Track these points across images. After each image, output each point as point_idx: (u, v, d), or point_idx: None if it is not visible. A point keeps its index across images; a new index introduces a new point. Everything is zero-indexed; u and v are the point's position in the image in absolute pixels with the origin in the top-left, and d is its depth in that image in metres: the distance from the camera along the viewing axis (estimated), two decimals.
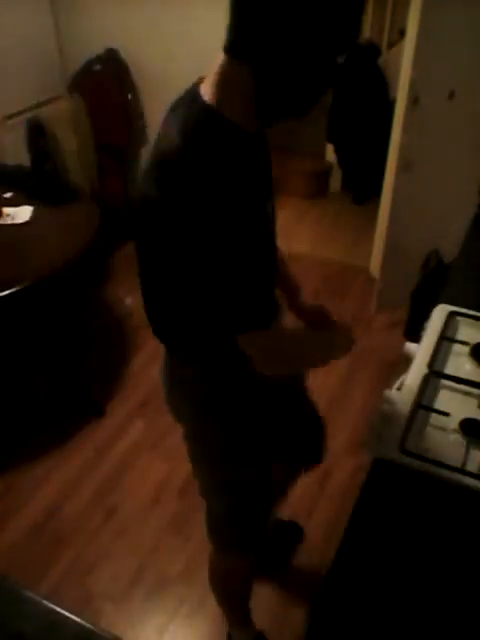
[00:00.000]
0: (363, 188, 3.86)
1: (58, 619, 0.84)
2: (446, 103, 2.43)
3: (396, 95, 2.55)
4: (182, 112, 0.92)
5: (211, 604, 1.79)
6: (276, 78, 0.86)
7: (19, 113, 3.04)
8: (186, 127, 0.88)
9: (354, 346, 1.22)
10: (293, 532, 1.96)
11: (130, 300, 3.08)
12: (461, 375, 1.25)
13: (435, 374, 1.24)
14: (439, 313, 1.41)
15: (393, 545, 0.94)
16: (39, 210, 2.34)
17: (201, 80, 0.94)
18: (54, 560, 1.91)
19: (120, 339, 2.85)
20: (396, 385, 1.31)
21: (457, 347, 1.33)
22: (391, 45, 3.76)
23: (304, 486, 2.13)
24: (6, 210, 2.31)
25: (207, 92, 0.90)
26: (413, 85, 2.38)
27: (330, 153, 4.04)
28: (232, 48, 0.86)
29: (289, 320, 1.32)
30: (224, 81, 0.88)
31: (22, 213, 2.31)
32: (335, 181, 4.12)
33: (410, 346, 1.40)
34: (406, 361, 1.34)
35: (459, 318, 1.40)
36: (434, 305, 1.45)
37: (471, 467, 1.05)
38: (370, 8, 3.67)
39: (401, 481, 1.04)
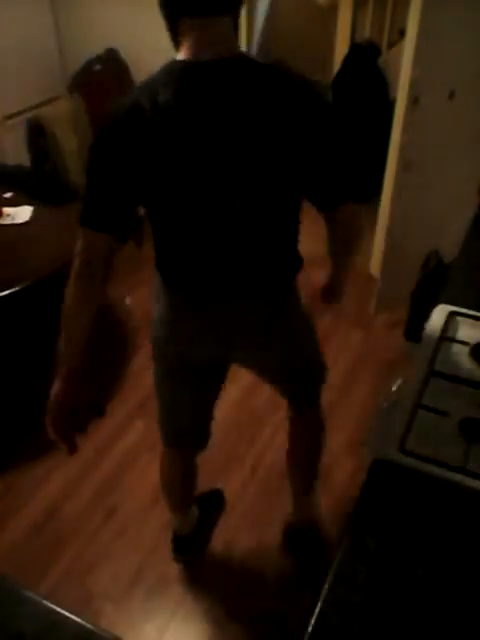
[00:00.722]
0: (363, 188, 3.85)
1: (58, 619, 0.84)
2: (446, 103, 2.43)
3: (396, 95, 2.55)
4: (267, 69, 1.18)
5: (211, 604, 1.80)
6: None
7: (19, 113, 3.05)
8: (293, 73, 1.21)
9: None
10: (215, 501, 2.06)
11: (130, 300, 3.08)
12: (461, 375, 1.25)
13: (435, 374, 1.24)
14: (439, 313, 1.41)
15: (393, 545, 0.94)
16: (39, 210, 2.34)
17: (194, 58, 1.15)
18: (54, 560, 1.91)
19: (120, 339, 2.85)
20: (396, 385, 1.31)
21: (457, 347, 1.33)
22: (391, 45, 3.75)
23: None
24: (6, 210, 2.32)
25: (234, 48, 1.18)
26: (413, 85, 2.38)
27: None
28: (227, 8, 1.15)
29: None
30: (232, 38, 1.18)
31: (22, 213, 2.32)
32: None
33: (410, 346, 1.40)
34: (406, 361, 1.34)
35: (459, 318, 1.40)
36: (434, 305, 1.44)
37: (471, 467, 1.05)
38: (370, 8, 3.67)
39: (401, 481, 1.04)
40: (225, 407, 2.46)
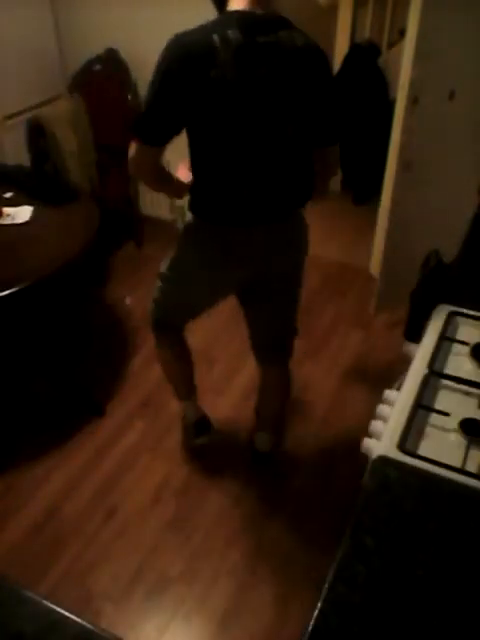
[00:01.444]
0: (363, 188, 3.86)
1: (58, 619, 0.84)
2: (446, 103, 2.43)
3: (396, 95, 2.55)
4: (288, 32, 1.45)
5: (211, 604, 1.80)
6: None
7: (19, 113, 3.04)
8: (305, 35, 1.50)
9: None
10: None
11: (130, 300, 3.08)
12: (461, 375, 1.25)
13: (435, 374, 1.24)
14: (439, 313, 1.41)
15: (393, 545, 0.94)
16: (39, 210, 2.34)
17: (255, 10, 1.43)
18: (54, 560, 1.91)
19: (120, 339, 2.85)
20: (396, 385, 1.31)
21: (457, 347, 1.34)
22: (391, 45, 3.75)
23: (304, 486, 2.14)
24: (6, 210, 2.31)
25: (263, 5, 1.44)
26: (413, 85, 2.38)
27: None
28: None
29: None
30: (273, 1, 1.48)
31: (22, 213, 2.31)
32: (335, 181, 4.12)
33: (410, 346, 1.40)
34: (406, 361, 1.34)
35: (459, 318, 1.40)
36: (434, 305, 1.45)
37: (471, 467, 1.05)
38: (370, 8, 3.67)
39: (401, 481, 1.04)
40: (226, 407, 2.46)
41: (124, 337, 2.86)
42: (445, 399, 1.21)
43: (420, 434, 1.13)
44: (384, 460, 1.06)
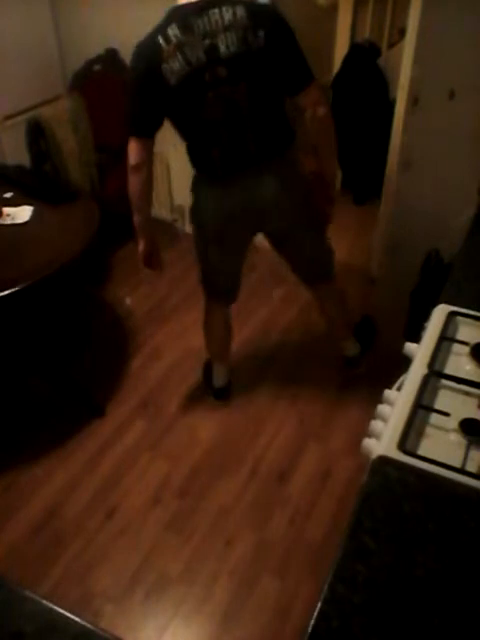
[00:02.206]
0: (363, 188, 3.85)
1: (58, 619, 0.84)
2: (446, 103, 2.43)
3: (396, 95, 2.55)
4: (229, 6, 1.66)
5: (211, 604, 1.80)
6: None
7: (19, 113, 3.04)
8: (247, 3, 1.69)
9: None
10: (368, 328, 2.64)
11: (130, 300, 3.08)
12: (461, 375, 1.25)
13: (435, 374, 1.24)
14: (439, 313, 1.41)
15: (393, 545, 0.94)
16: (39, 210, 2.34)
17: None
18: (54, 560, 1.91)
19: (120, 339, 2.85)
20: (396, 385, 1.31)
21: (457, 347, 1.33)
22: (391, 45, 3.75)
23: (304, 485, 2.14)
24: (6, 210, 2.31)
25: None
26: (413, 85, 2.38)
27: None
28: None
29: None
30: None
31: (22, 213, 2.31)
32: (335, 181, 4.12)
33: (410, 346, 1.40)
34: (406, 361, 1.34)
35: (459, 318, 1.40)
36: (434, 305, 1.44)
37: (471, 467, 1.05)
38: (370, 8, 3.67)
39: (401, 481, 1.04)
40: (225, 407, 2.46)
41: (124, 337, 2.86)
42: (445, 399, 1.21)
43: (420, 434, 1.13)
44: (384, 460, 1.06)
